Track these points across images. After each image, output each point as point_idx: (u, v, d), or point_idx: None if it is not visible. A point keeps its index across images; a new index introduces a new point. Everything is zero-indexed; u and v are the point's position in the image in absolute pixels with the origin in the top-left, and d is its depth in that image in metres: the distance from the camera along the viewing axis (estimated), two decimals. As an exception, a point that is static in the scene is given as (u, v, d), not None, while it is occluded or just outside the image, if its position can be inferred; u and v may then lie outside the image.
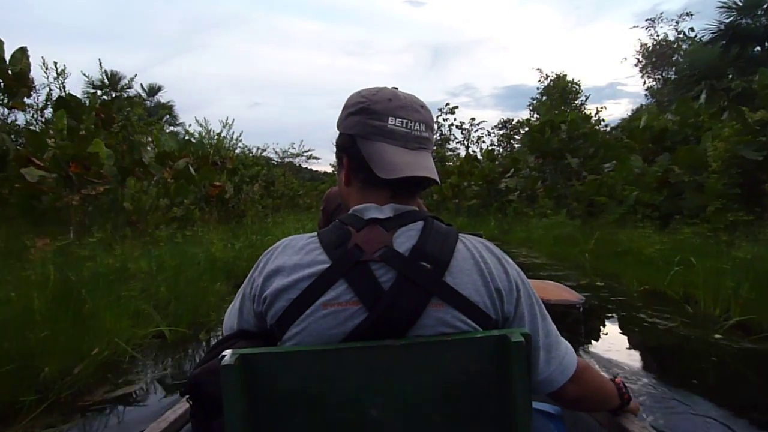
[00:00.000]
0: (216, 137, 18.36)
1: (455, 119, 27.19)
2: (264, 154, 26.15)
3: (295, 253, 1.07)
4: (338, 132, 1.18)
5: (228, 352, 0.95)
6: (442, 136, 38.26)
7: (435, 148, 29.07)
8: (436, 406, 0.96)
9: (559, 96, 21.50)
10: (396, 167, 1.06)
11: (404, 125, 1.10)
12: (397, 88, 1.19)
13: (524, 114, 35.58)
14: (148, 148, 12.05)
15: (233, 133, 19.30)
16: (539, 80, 24.09)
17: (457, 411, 0.97)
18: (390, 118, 1.10)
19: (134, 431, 3.24)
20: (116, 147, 11.22)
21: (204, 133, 18.55)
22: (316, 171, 49.84)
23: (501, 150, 28.27)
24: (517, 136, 30.65)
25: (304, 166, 35.17)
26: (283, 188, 33.52)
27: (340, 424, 0.96)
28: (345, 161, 1.16)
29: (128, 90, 34.41)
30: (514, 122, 37.40)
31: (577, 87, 22.51)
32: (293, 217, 22.06)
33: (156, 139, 11.81)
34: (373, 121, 1.10)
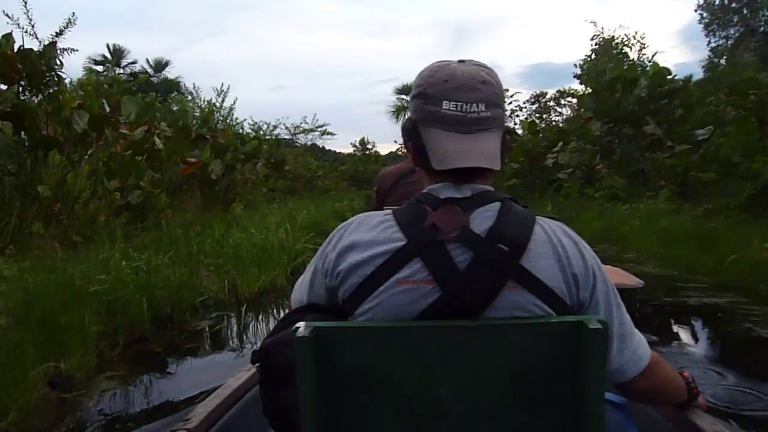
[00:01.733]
0: (206, 105, 14.81)
1: None
2: (276, 131, 22.51)
3: (370, 229, 1.05)
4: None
5: (301, 324, 0.93)
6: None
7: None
8: (505, 389, 0.95)
9: (620, 53, 17.44)
10: (447, 157, 1.02)
11: (459, 108, 1.03)
12: (463, 61, 1.10)
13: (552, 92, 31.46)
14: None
15: (227, 102, 15.74)
16: (595, 34, 20.06)
17: (526, 396, 0.95)
18: (444, 101, 1.03)
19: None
20: (33, 109, 7.71)
21: (192, 102, 15.03)
22: (339, 153, 46.07)
23: (541, 123, 24.28)
24: (558, 108, 26.63)
25: (319, 143, 31.66)
26: (301, 169, 30.27)
27: (407, 400, 0.94)
28: (410, 146, 1.12)
29: (133, 65, 31.38)
30: (548, 95, 33.29)
31: (642, 42, 18.46)
32: (305, 203, 18.55)
33: (89, 96, 8.22)
34: (429, 106, 1.05)
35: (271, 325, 4.88)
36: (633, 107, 12.32)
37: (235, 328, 4.75)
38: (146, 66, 32.13)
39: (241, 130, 18.05)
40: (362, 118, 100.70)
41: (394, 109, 41.12)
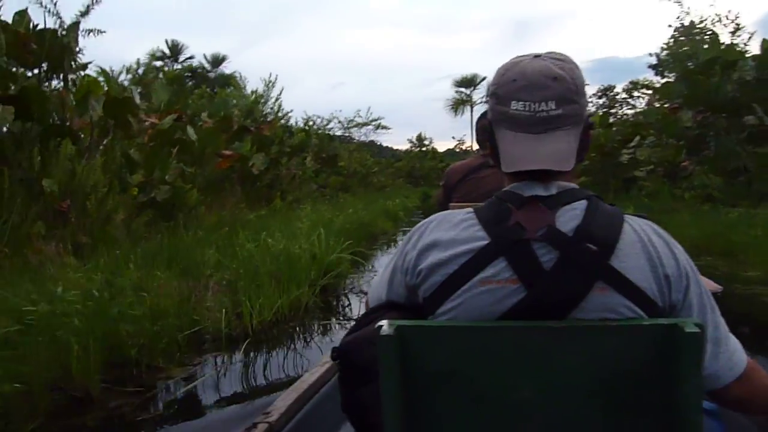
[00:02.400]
0: (252, 96, 13.80)
1: None
2: (329, 125, 21.39)
3: (452, 227, 1.01)
4: None
5: (384, 322, 0.91)
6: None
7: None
8: (593, 393, 0.90)
9: (710, 35, 15.28)
10: (514, 159, 1.00)
11: (527, 108, 0.98)
12: (539, 55, 1.04)
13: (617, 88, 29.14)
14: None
15: (274, 93, 14.70)
16: (681, 13, 17.93)
17: (614, 401, 0.90)
18: (513, 102, 0.99)
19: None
20: (41, 93, 6.76)
21: (239, 92, 14.07)
22: (397, 150, 44.69)
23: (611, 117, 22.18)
24: (630, 100, 24.42)
25: (377, 140, 30.47)
26: (356, 165, 29.25)
27: (490, 401, 0.91)
28: (488, 145, 1.10)
29: (190, 60, 31.08)
30: (617, 89, 30.92)
31: (736, 23, 16.25)
32: (356, 200, 17.36)
33: (105, 78, 7.20)
34: (499, 106, 1.02)
35: (287, 370, 3.52)
36: (734, 93, 10.41)
37: (228, 380, 3.35)
38: (203, 61, 31.76)
39: (290, 123, 16.98)
40: (420, 115, 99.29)
41: (452, 103, 39.48)
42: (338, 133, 21.79)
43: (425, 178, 35.78)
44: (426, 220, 1.09)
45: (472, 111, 39.13)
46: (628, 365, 0.89)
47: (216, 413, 2.97)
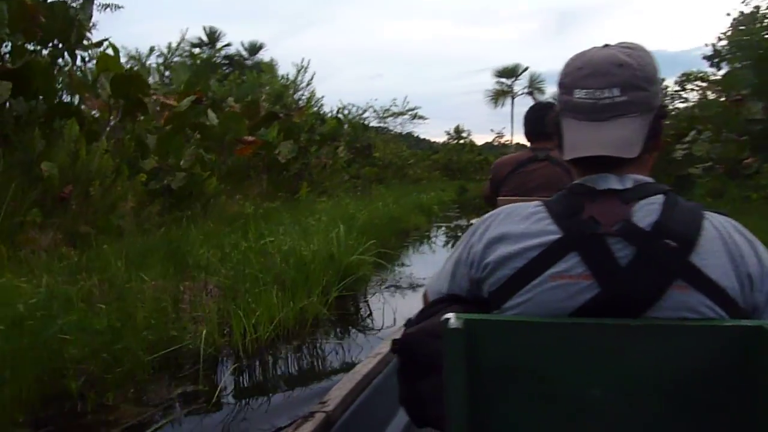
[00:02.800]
0: (283, 80, 13.16)
1: None
2: (365, 114, 20.63)
3: (521, 220, 0.99)
4: None
5: (451, 315, 0.89)
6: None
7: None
8: (667, 394, 0.87)
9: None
10: (575, 146, 0.98)
11: (590, 95, 0.97)
12: (609, 45, 1.03)
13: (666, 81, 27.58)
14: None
15: (306, 78, 14.03)
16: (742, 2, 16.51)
17: (689, 402, 0.87)
18: (576, 90, 0.99)
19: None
20: (46, 69, 6.20)
21: (269, 78, 13.46)
22: (435, 142, 43.55)
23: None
24: (684, 93, 22.86)
25: (414, 132, 29.61)
26: (391, 156, 28.50)
27: (559, 400, 0.89)
28: (556, 139, 1.07)
29: (227, 48, 30.71)
30: (665, 82, 29.21)
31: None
32: (389, 192, 16.60)
33: (115, 52, 6.59)
34: (564, 95, 1.02)
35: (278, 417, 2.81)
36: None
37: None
38: (241, 49, 31.35)
39: (324, 111, 16.31)
40: (459, 108, 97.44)
41: (492, 94, 38.24)
42: (374, 123, 20.88)
43: (462, 171, 34.71)
44: (492, 212, 1.07)
45: (513, 102, 37.87)
46: (706, 366, 0.86)
47: None
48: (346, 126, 17.55)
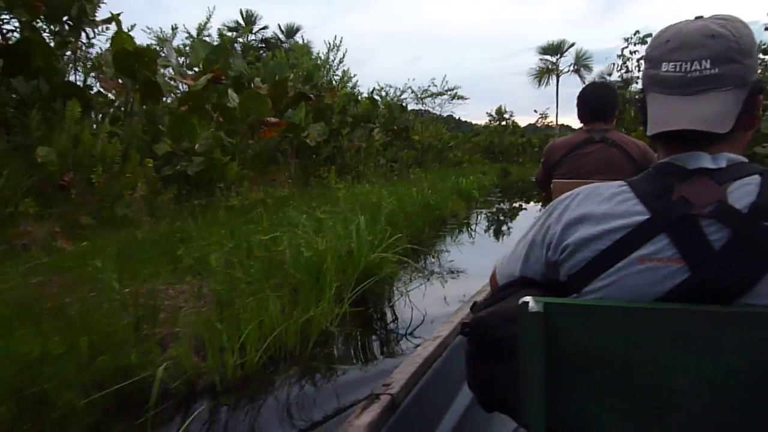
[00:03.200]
0: (314, 59, 12.49)
1: None
2: (403, 96, 19.72)
3: (604, 201, 0.94)
4: None
5: (529, 298, 0.86)
6: (626, 77, 29.17)
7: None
8: (758, 384, 0.81)
9: None
10: (659, 120, 0.92)
11: (679, 68, 0.91)
12: (701, 16, 0.96)
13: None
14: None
15: (339, 58, 13.29)
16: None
17: None
18: (663, 63, 0.93)
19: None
20: (44, 45, 5.65)
21: (300, 57, 12.80)
22: (477, 125, 42.12)
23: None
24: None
25: (456, 114, 28.47)
26: (431, 139, 27.66)
27: (641, 387, 0.85)
28: (640, 117, 1.01)
29: (264, 30, 30.19)
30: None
31: None
32: (428, 176, 15.77)
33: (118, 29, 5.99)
34: (651, 69, 0.96)
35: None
36: None
37: None
38: (277, 31, 30.80)
39: (360, 93, 15.58)
40: (501, 89, 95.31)
41: (536, 72, 36.53)
42: (413, 106, 19.98)
43: (504, 153, 33.48)
44: (570, 192, 1.01)
45: (558, 81, 36.05)
46: None
47: None
48: (382, 107, 16.74)
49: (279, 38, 30.17)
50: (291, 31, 31.25)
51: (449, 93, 19.52)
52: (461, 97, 19.81)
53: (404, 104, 19.05)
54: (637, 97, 1.00)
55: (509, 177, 27.70)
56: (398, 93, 19.77)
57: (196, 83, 6.96)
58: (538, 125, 38.70)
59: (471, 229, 8.89)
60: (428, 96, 19.39)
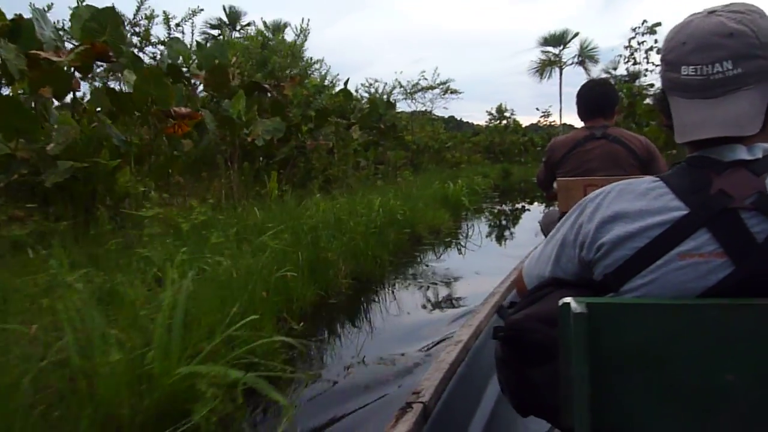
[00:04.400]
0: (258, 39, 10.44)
1: (656, 42, 15.84)
2: (394, 92, 17.55)
3: (638, 198, 0.91)
4: None
5: (570, 299, 0.84)
6: (633, 69, 26.84)
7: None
8: None
9: None
10: (686, 128, 0.90)
11: (699, 72, 0.88)
12: (714, 11, 0.91)
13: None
14: None
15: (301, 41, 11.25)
16: None
17: None
18: (683, 67, 0.90)
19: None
20: None
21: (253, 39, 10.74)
22: (479, 126, 39.75)
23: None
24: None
25: (457, 116, 26.33)
26: (426, 139, 25.59)
27: (687, 385, 0.83)
28: (662, 118, 1.00)
29: (248, 27, 28.07)
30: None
31: None
32: (413, 181, 13.63)
33: None
34: (669, 73, 0.93)
35: None
36: None
37: None
38: (263, 28, 28.74)
39: (334, 83, 13.51)
40: (503, 90, 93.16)
41: (537, 66, 34.04)
42: (405, 105, 17.75)
43: (506, 153, 31.26)
44: (600, 190, 0.98)
45: (561, 75, 33.60)
46: None
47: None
48: (364, 102, 14.65)
49: (265, 36, 28.01)
50: (278, 28, 29.12)
51: (441, 87, 17.28)
52: (454, 92, 17.71)
53: (392, 100, 16.95)
54: (656, 97, 0.96)
55: (510, 178, 25.68)
56: (387, 88, 17.60)
57: (62, 59, 4.88)
58: (540, 124, 36.40)
59: (450, 249, 6.79)
60: (418, 91, 17.17)
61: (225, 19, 27.03)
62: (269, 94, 8.98)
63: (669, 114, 0.93)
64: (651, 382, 0.83)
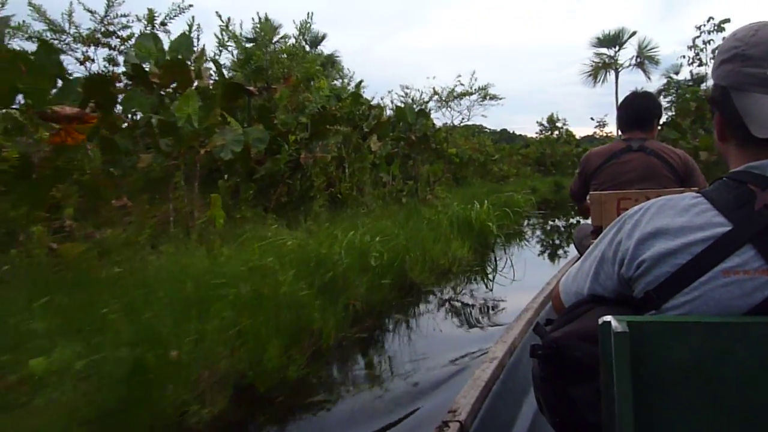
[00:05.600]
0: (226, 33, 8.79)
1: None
2: (429, 102, 15.58)
3: (679, 214, 0.89)
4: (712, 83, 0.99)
5: (610, 317, 0.82)
6: (698, 72, 24.14)
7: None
8: None
9: None
10: None
11: None
12: None
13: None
14: None
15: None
16: None
17: None
18: None
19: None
20: None
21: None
22: (532, 138, 37.12)
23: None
24: None
25: (509, 128, 24.12)
26: (471, 151, 23.62)
27: (734, 404, 0.80)
28: (717, 115, 0.97)
29: (285, 40, 26.74)
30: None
31: None
32: (450, 195, 11.64)
33: None
34: (749, 68, 0.89)
35: None
36: None
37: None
38: (303, 42, 27.45)
39: (347, 88, 11.78)
40: (556, 101, 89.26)
41: (590, 69, 30.96)
42: (438, 115, 15.68)
43: (558, 165, 28.61)
44: (639, 206, 0.96)
45: (617, 78, 30.51)
46: None
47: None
48: (390, 110, 12.81)
49: (304, 48, 26.67)
50: (315, 41, 27.80)
51: (479, 92, 15.16)
52: (494, 97, 15.44)
53: (427, 109, 15.00)
54: (714, 94, 0.94)
55: (563, 192, 23.22)
56: (427, 99, 15.64)
57: None
58: (596, 136, 33.35)
59: (461, 293, 4.76)
60: (455, 98, 15.11)
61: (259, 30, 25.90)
62: (252, 97, 7.25)
63: (729, 111, 0.89)
64: (696, 401, 0.80)
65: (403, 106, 13.53)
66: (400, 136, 13.07)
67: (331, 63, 26.07)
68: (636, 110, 2.48)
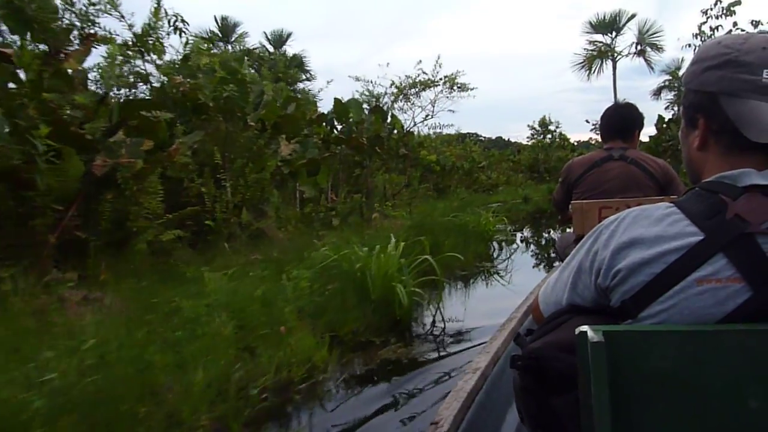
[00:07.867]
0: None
1: (735, 25, 9.88)
2: (384, 94, 12.39)
3: (653, 224, 0.86)
4: (687, 89, 0.95)
5: (586, 327, 0.79)
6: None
7: None
8: None
9: None
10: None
11: None
12: None
13: None
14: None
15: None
16: None
17: None
18: (765, 70, 0.86)
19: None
20: None
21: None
22: (524, 144, 34.02)
23: None
24: None
25: (504, 136, 21.04)
26: (454, 158, 20.80)
27: (709, 413, 0.78)
28: (702, 123, 0.92)
29: (245, 39, 23.72)
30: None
31: None
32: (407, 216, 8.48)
33: None
34: (744, 75, 0.86)
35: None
36: None
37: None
38: (263, 40, 24.43)
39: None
40: (551, 108, 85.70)
41: (584, 59, 27.05)
42: (396, 103, 12.43)
43: (552, 171, 25.32)
44: (614, 217, 0.94)
45: (614, 68, 26.74)
46: None
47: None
48: (337, 111, 9.77)
49: (266, 48, 23.73)
50: (279, 40, 24.67)
51: (447, 80, 11.92)
52: (464, 87, 12.16)
53: (383, 105, 11.86)
54: (697, 100, 0.91)
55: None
56: (383, 91, 12.48)
57: None
58: (593, 141, 30.07)
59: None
60: (413, 87, 11.89)
61: (218, 32, 22.82)
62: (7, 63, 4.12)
63: (717, 118, 0.88)
64: (673, 409, 0.79)
65: (346, 100, 10.37)
66: (338, 138, 9.96)
67: (297, 63, 23.32)
68: (618, 120, 2.50)
